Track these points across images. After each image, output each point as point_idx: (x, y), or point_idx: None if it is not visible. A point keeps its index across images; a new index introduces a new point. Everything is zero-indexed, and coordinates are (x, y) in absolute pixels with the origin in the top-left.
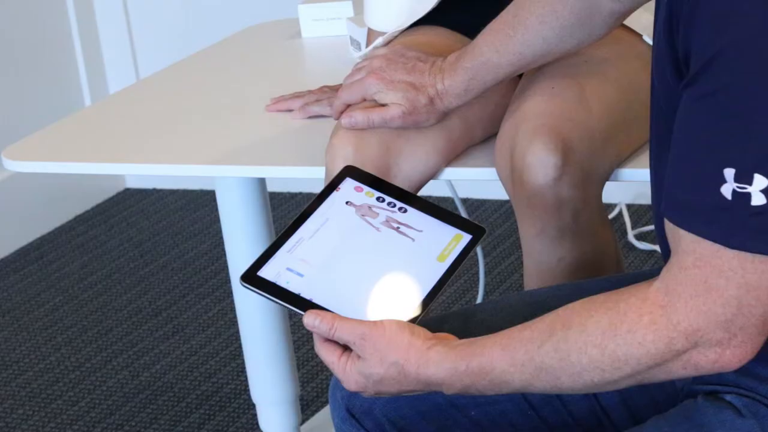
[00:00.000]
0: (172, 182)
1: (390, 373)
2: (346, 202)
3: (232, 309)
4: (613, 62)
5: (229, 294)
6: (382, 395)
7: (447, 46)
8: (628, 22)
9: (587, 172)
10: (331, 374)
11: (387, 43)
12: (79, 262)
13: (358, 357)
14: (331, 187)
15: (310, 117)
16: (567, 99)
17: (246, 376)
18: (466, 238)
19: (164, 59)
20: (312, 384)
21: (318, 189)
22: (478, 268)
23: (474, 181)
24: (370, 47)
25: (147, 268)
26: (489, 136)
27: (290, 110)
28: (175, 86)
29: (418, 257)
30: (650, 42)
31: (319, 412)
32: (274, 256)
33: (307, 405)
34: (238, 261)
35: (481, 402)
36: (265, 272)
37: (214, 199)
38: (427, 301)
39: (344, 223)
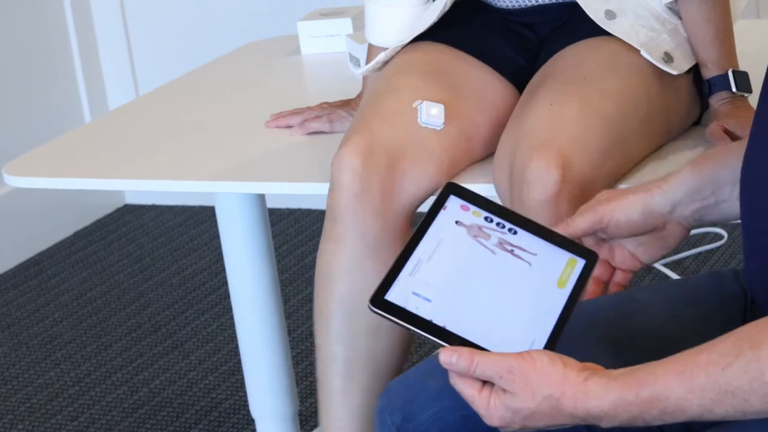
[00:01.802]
0: (171, 198)
1: (542, 407)
2: (456, 222)
3: (232, 324)
4: (611, 78)
5: (229, 309)
6: (528, 429)
7: (447, 61)
8: (626, 37)
9: (586, 188)
10: None
11: (389, 59)
12: (79, 277)
13: (504, 391)
14: (438, 205)
15: (309, 133)
16: (566, 115)
17: (245, 392)
18: (581, 262)
19: (164, 75)
20: (311, 399)
21: (317, 205)
22: None
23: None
24: (372, 62)
25: (146, 283)
26: (489, 154)
27: (289, 126)
28: (175, 102)
29: (539, 283)
30: (649, 57)
31: (317, 428)
32: (397, 279)
33: (305, 420)
34: (238, 276)
35: None
36: (393, 296)
37: (214, 215)
38: (557, 329)
39: (459, 244)
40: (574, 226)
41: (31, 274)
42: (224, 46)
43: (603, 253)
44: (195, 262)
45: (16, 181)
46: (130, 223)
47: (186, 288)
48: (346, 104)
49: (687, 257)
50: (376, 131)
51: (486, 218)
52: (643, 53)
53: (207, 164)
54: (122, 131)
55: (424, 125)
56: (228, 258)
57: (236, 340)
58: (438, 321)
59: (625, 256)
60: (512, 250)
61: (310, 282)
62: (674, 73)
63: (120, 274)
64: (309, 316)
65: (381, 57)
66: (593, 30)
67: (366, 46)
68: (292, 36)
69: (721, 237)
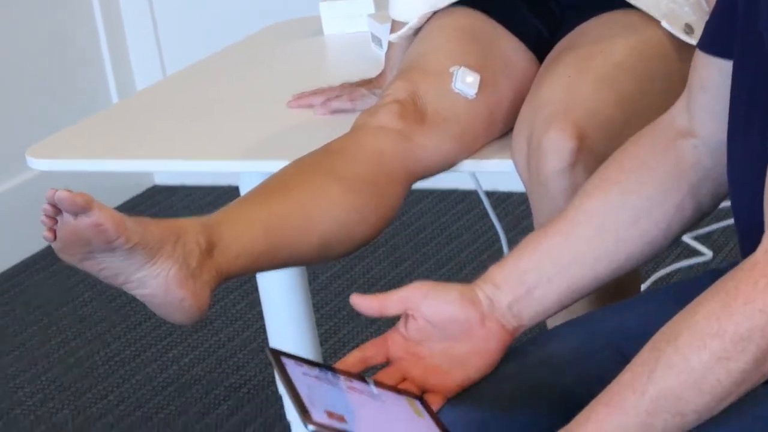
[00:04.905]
0: (199, 179)
1: None
2: (303, 374)
3: (260, 302)
4: (629, 51)
5: (257, 287)
6: None
7: (479, 29)
8: (647, 8)
9: (602, 159)
10: None
11: (417, 31)
12: None
13: None
14: (280, 367)
15: (331, 112)
16: (583, 87)
17: (273, 369)
18: (415, 401)
19: (190, 56)
20: None
21: None
22: None
23: (499, 173)
24: (405, 29)
25: None
26: (508, 131)
27: (311, 106)
28: (201, 83)
29: (403, 414)
30: (670, 28)
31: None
32: (307, 408)
33: None
34: None
35: None
36: (317, 418)
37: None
38: None
39: (322, 388)
40: (387, 298)
41: None
42: (248, 27)
43: (417, 371)
44: None
45: (40, 164)
46: (159, 204)
47: None
48: (368, 83)
49: (715, 230)
50: (416, 83)
51: (321, 371)
52: (664, 24)
53: (231, 145)
54: (149, 112)
55: (457, 91)
56: None
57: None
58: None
59: (439, 377)
60: (362, 393)
61: (338, 260)
62: (695, 43)
63: None
64: (337, 294)
65: (414, 23)
66: (615, 3)
67: (387, 25)
68: (315, 17)
69: None
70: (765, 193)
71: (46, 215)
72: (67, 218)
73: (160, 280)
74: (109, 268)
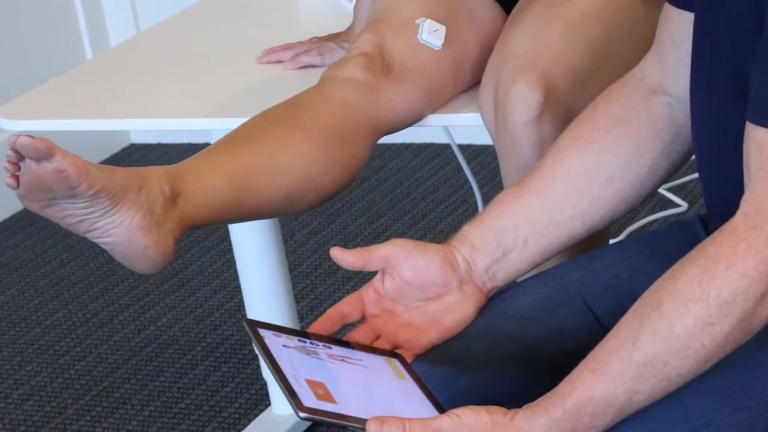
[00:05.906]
0: (176, 137)
1: None
2: (284, 346)
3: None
4: (595, 0)
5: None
6: None
7: None
8: None
9: (570, 110)
10: None
11: None
12: None
13: None
14: (258, 339)
15: (300, 67)
16: (549, 38)
17: None
18: (395, 360)
19: (163, 11)
20: None
21: None
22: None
23: (475, 127)
24: None
25: None
26: (476, 83)
27: (281, 61)
28: (174, 39)
29: (385, 379)
30: None
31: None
32: (296, 392)
33: None
34: None
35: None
36: (308, 403)
37: None
38: (435, 400)
39: (304, 361)
40: (370, 254)
41: (39, 216)
42: None
43: (390, 328)
44: None
45: (13, 125)
46: (136, 163)
47: None
48: (336, 37)
49: (690, 182)
50: (382, 36)
51: (299, 340)
52: None
53: (203, 101)
54: (123, 69)
55: (422, 42)
56: None
57: None
58: (361, 415)
59: (412, 334)
60: (343, 360)
61: (314, 217)
62: None
63: None
64: (312, 252)
65: None
66: None
67: None
68: None
69: None
70: (745, 156)
71: (8, 161)
72: (29, 164)
73: (123, 228)
74: (73, 215)
